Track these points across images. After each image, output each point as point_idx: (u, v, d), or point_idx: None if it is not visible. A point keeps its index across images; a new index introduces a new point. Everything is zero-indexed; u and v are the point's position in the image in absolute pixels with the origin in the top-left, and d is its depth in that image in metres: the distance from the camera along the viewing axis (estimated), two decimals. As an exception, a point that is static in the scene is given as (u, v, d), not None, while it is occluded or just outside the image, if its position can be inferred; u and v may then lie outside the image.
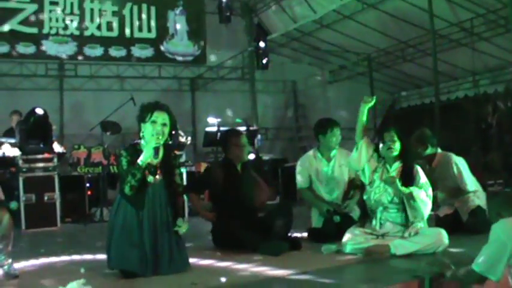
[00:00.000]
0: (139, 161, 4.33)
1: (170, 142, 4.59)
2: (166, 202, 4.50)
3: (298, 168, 6.38)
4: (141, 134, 4.48)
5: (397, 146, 5.09)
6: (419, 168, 5.13)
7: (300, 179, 6.28)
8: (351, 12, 12.99)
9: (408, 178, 5.03)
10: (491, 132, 14.30)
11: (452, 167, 6.15)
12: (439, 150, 6.36)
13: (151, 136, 4.37)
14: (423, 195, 4.96)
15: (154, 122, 4.39)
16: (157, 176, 4.44)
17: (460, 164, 6.20)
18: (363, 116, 5.29)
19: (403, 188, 4.91)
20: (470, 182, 6.19)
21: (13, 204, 4.71)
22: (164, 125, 4.43)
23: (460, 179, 6.12)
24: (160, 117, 4.42)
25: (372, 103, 5.26)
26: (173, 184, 4.57)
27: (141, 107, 4.52)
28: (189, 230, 4.63)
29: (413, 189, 4.93)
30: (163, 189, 4.48)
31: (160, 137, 4.39)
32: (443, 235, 4.92)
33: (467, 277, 3.50)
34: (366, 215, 5.31)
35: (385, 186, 5.06)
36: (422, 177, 5.06)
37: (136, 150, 4.46)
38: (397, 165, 5.13)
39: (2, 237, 4.50)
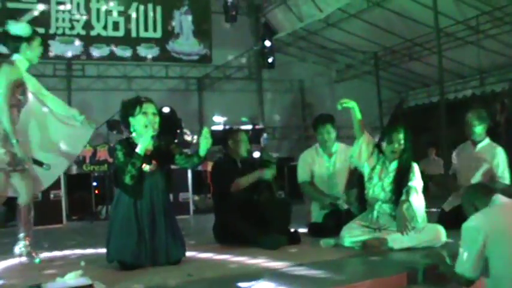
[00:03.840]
0: (137, 150, 4.44)
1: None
2: (164, 191, 4.61)
3: (299, 163, 6.44)
4: (131, 129, 4.59)
5: (401, 149, 5.07)
6: (416, 168, 5.10)
7: (301, 173, 6.32)
8: (357, 11, 12.99)
9: (403, 177, 5.03)
10: (499, 130, 14.25)
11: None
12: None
13: (145, 127, 4.49)
14: (416, 200, 4.93)
15: (145, 113, 4.53)
16: (152, 165, 4.53)
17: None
18: (356, 114, 5.18)
19: (404, 207, 4.81)
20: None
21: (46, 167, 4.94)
22: (154, 114, 4.59)
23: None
24: (150, 107, 4.57)
25: (351, 103, 5.14)
26: (169, 172, 4.71)
27: (124, 104, 4.66)
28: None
29: (410, 201, 4.86)
30: (159, 178, 4.59)
31: (155, 126, 4.52)
32: (441, 232, 4.93)
33: (456, 278, 3.52)
34: (364, 209, 5.35)
35: (383, 184, 5.10)
36: (416, 177, 5.03)
37: (129, 143, 4.57)
38: (395, 165, 5.12)
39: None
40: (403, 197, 4.87)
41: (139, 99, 4.63)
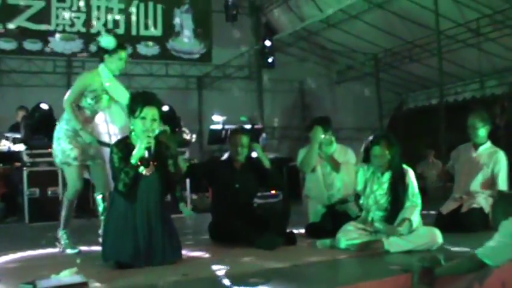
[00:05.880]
0: (131, 159, 4.38)
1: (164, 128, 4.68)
2: (160, 193, 4.55)
3: (301, 152, 6.34)
4: (131, 127, 4.55)
5: (385, 160, 5.04)
6: (411, 174, 5.09)
7: (301, 158, 6.29)
8: (358, 12, 12.99)
9: (400, 186, 5.02)
10: (499, 133, 14.23)
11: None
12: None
13: (142, 132, 4.43)
14: (416, 217, 4.95)
15: (143, 118, 4.44)
16: (149, 168, 4.46)
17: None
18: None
19: (402, 230, 4.86)
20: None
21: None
22: (154, 120, 4.48)
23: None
24: (150, 113, 4.46)
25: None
26: (167, 175, 4.61)
27: (130, 99, 4.60)
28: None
29: (409, 222, 4.89)
30: (156, 181, 4.51)
31: (150, 134, 4.43)
32: (437, 235, 4.91)
33: (465, 263, 3.62)
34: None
35: (376, 197, 5.10)
36: (413, 186, 5.05)
37: (126, 145, 4.51)
38: (388, 176, 5.08)
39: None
40: (405, 215, 4.91)
41: (145, 99, 4.50)
